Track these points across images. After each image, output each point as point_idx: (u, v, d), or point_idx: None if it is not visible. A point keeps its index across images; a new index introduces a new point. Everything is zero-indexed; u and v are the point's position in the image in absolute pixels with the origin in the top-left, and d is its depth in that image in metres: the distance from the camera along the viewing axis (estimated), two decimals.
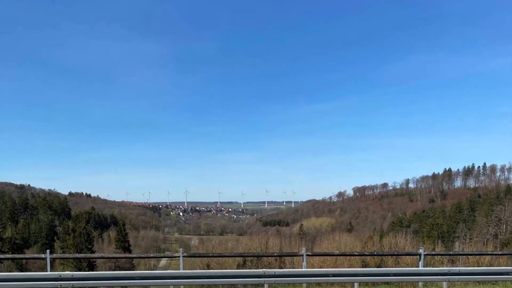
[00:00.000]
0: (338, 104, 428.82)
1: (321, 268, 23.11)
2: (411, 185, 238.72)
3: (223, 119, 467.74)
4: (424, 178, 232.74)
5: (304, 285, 14.95)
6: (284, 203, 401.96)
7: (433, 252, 26.23)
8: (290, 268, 26.46)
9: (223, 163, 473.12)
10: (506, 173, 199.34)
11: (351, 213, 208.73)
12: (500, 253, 28.29)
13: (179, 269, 14.57)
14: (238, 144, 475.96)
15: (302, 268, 15.44)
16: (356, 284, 12.78)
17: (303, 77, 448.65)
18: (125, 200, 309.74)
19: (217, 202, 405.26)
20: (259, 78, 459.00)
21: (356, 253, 22.32)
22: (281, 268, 27.07)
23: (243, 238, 67.70)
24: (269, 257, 28.91)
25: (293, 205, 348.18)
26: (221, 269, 23.60)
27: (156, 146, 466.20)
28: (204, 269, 25.87)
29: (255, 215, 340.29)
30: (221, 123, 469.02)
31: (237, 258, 30.17)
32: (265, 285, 12.32)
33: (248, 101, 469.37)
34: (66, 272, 11.69)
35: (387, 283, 15.16)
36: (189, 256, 18.42)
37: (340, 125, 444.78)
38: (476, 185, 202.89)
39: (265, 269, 12.24)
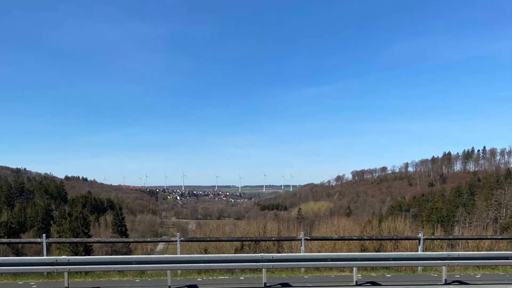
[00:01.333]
0: (337, 87, 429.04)
1: (319, 252, 23.08)
2: (410, 169, 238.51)
3: (221, 102, 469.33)
4: (423, 162, 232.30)
5: (302, 269, 14.90)
6: (282, 187, 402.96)
7: (433, 237, 26.24)
8: (288, 252, 26.49)
9: (221, 147, 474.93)
10: (506, 156, 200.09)
11: (349, 197, 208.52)
12: (500, 237, 28.33)
13: (177, 254, 14.50)
14: (236, 128, 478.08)
15: (300, 252, 15.40)
16: (354, 269, 12.73)
17: (302, 60, 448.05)
18: (122, 184, 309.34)
19: (215, 186, 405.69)
20: (257, 61, 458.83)
21: (355, 238, 22.35)
22: (279, 252, 27.09)
23: (240, 222, 67.96)
24: (267, 242, 28.95)
25: (291, 189, 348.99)
26: (218, 254, 23.61)
27: (153, 129, 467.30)
28: (201, 253, 25.90)
29: (253, 199, 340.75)
30: (219, 106, 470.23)
31: (234, 242, 30.16)
32: (263, 269, 12.27)
33: (246, 84, 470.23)
34: (63, 257, 11.66)
35: (386, 267, 15.12)
36: (186, 241, 18.40)
37: (339, 109, 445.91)
38: (476, 169, 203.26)
39: (263, 254, 12.24)
